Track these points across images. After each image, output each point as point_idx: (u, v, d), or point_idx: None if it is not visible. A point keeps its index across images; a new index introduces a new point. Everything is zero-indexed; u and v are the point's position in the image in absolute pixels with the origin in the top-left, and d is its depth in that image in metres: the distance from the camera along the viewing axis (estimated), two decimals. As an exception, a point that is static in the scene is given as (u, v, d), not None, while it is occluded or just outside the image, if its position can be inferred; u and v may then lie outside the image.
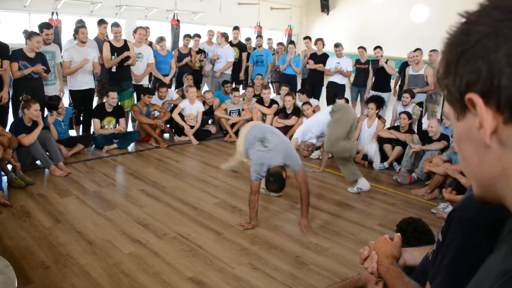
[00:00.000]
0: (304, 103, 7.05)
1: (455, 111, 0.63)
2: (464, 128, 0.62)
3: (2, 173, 4.50)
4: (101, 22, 7.23)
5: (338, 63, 8.25)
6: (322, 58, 8.52)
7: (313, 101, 7.65)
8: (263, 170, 3.90)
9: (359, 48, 8.56)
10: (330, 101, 8.06)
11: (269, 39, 10.92)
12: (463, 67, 0.59)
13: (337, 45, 8.36)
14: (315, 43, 8.71)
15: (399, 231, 2.53)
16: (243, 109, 7.63)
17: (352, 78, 8.67)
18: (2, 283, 2.22)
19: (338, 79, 8.35)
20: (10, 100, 5.60)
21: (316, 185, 5.38)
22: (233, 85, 8.61)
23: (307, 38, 9.32)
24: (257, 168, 3.89)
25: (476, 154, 0.62)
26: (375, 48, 7.95)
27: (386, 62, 7.73)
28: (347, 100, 6.97)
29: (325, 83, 8.69)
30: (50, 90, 6.01)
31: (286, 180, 4.07)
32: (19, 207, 4.20)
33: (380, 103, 6.53)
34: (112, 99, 6.21)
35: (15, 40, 7.53)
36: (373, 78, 8.03)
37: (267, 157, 3.90)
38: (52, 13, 10.31)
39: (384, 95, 7.48)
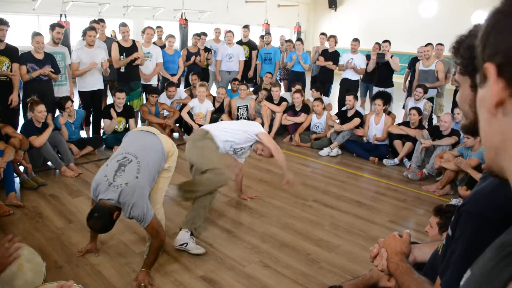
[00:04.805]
0: (315, 99, 7.03)
1: (480, 78, 0.66)
2: (482, 94, 0.66)
3: (14, 174, 4.55)
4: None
5: (352, 59, 8.16)
6: (333, 56, 8.44)
7: (325, 99, 7.62)
8: (94, 195, 2.96)
9: (375, 44, 8.51)
10: (342, 96, 8.02)
11: (282, 36, 10.95)
12: (494, 37, 0.62)
13: (354, 40, 8.25)
14: (327, 40, 8.62)
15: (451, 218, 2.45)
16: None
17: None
18: (30, 270, 2.26)
19: (350, 75, 8.27)
20: (21, 102, 5.66)
21: (325, 182, 5.37)
22: (243, 82, 8.60)
23: (323, 34, 9.25)
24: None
25: (486, 121, 0.65)
26: (384, 41, 7.90)
27: (391, 57, 7.68)
28: (356, 97, 6.93)
29: (336, 81, 8.65)
30: (61, 91, 6.05)
31: (114, 222, 2.90)
32: (31, 207, 4.25)
33: (387, 99, 6.49)
34: (118, 99, 6.22)
35: (24, 43, 7.59)
36: (375, 72, 8.01)
37: (101, 189, 2.88)
38: (61, 15, 10.37)
39: (387, 90, 7.40)
